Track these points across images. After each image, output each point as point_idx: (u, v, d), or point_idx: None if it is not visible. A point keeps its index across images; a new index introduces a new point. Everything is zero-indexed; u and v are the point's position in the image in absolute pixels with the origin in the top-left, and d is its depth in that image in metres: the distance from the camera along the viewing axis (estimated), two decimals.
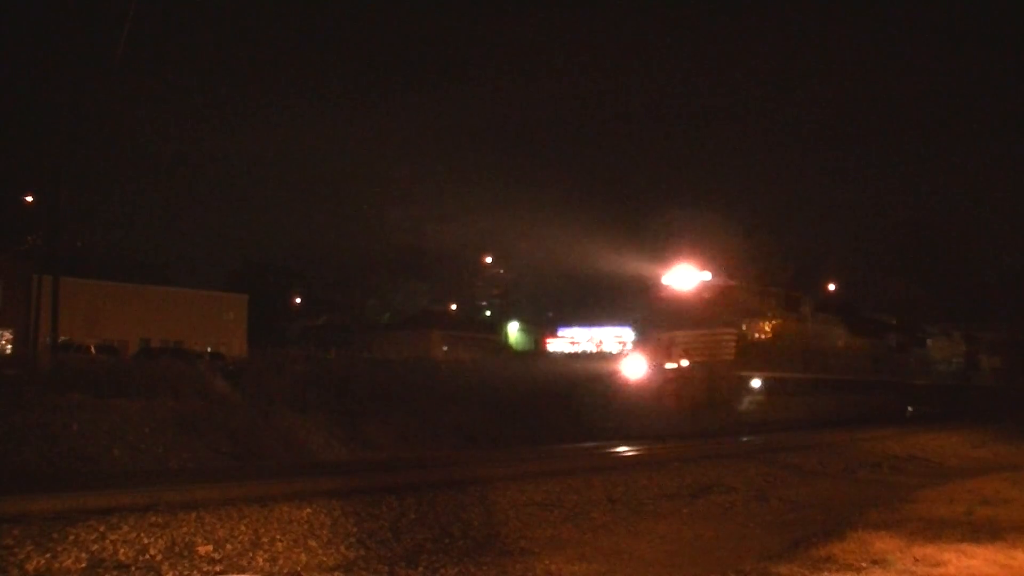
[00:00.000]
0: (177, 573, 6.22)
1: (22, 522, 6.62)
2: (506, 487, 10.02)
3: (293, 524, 7.51)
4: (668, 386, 20.95)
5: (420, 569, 6.85)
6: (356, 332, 60.67)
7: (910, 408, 31.94)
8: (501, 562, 7.22)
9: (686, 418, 20.30)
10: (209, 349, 43.14)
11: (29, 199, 34.04)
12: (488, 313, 72.38)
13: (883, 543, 7.59)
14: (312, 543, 7.20)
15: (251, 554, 6.77)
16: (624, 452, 15.82)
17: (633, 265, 23.87)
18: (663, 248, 23.07)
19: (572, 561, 7.40)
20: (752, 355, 22.21)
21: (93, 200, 33.63)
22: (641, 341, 23.61)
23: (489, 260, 71.72)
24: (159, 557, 6.41)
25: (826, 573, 6.68)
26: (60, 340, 34.04)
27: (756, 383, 22.11)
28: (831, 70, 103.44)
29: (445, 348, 53.80)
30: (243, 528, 7.20)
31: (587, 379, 24.03)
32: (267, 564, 6.66)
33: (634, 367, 22.14)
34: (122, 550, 6.39)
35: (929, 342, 35.27)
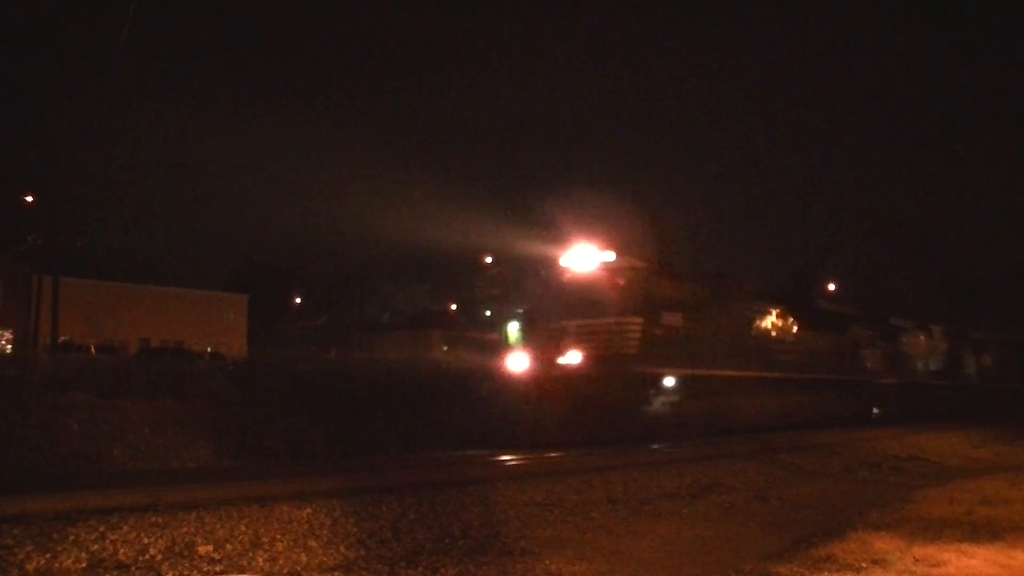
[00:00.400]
0: (177, 573, 6.23)
1: (22, 522, 6.63)
2: (506, 487, 10.04)
3: (293, 524, 7.51)
4: (554, 384, 17.52)
5: (420, 569, 6.85)
6: (356, 332, 60.69)
7: (876, 410, 28.96)
8: (501, 562, 7.22)
9: (574, 422, 16.94)
10: (209, 349, 43.19)
11: (29, 199, 34.05)
12: (488, 313, 72.34)
13: (883, 543, 7.60)
14: (312, 543, 7.20)
15: (251, 554, 6.78)
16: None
17: (529, 246, 20.20)
18: (561, 227, 19.71)
19: (572, 561, 7.40)
20: (664, 349, 18.54)
21: (93, 200, 33.58)
22: (531, 332, 19.43)
23: (489, 260, 71.66)
24: (159, 557, 6.41)
25: (826, 573, 6.68)
26: (60, 340, 34.14)
27: (669, 381, 18.47)
28: (831, 70, 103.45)
29: (445, 348, 53.81)
30: (243, 528, 7.20)
31: (470, 377, 21.63)
32: (267, 564, 6.66)
33: (519, 362, 18.61)
34: (122, 550, 6.39)
35: (904, 338, 32.01)
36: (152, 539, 6.64)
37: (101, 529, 6.65)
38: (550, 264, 19.41)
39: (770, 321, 23.51)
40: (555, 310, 18.79)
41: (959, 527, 8.45)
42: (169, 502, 7.59)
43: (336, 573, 6.67)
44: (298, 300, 66.81)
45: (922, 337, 33.05)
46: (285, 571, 6.61)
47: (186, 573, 6.25)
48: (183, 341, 43.75)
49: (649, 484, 11.46)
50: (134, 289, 48.28)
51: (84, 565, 6.09)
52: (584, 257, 18.85)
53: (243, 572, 6.43)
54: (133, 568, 6.18)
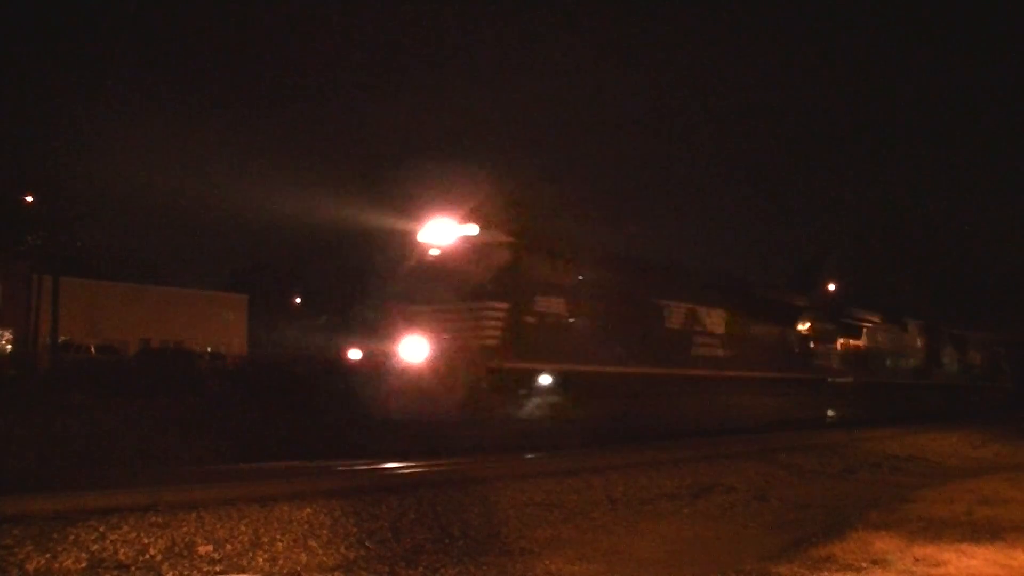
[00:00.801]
0: (177, 573, 6.23)
1: (22, 522, 6.62)
2: (506, 487, 10.04)
3: (293, 524, 7.51)
4: (392, 383, 14.74)
5: (420, 569, 6.86)
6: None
7: (830, 412, 26.09)
8: (501, 562, 7.23)
9: (423, 427, 14.27)
10: (209, 349, 43.21)
11: (29, 199, 34.08)
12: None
13: (883, 543, 7.60)
14: (312, 543, 7.20)
15: (251, 554, 6.78)
16: None
17: (383, 220, 16.52)
18: (421, 198, 15.91)
19: (572, 561, 7.40)
20: (539, 340, 15.57)
21: (93, 200, 33.61)
22: (380, 319, 16.23)
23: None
24: (159, 557, 6.41)
25: (826, 573, 6.68)
26: (60, 340, 34.18)
27: (545, 379, 15.58)
28: (832, 69, 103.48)
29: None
30: (243, 528, 7.20)
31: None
32: (267, 564, 6.67)
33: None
34: (122, 550, 6.39)
35: (870, 333, 28.89)
36: (152, 539, 6.64)
37: (101, 529, 6.65)
38: (403, 240, 15.94)
39: (694, 308, 20.30)
40: (406, 294, 15.66)
41: (959, 527, 8.46)
42: (169, 502, 7.58)
43: (336, 573, 6.68)
44: (298, 300, 66.70)
45: (891, 332, 30.48)
46: (285, 571, 6.61)
47: (186, 573, 6.25)
48: (183, 341, 43.73)
49: (649, 484, 11.46)
50: (134, 289, 48.25)
51: (84, 565, 6.09)
52: (442, 231, 15.58)
53: (243, 572, 6.43)
54: (133, 568, 6.18)
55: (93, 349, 37.36)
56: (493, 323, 15.02)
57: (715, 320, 20.98)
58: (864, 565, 6.86)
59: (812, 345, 25.38)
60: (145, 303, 47.86)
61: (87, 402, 14.57)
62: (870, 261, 57.76)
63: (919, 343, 32.49)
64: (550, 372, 15.70)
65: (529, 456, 14.20)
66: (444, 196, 15.50)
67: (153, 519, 7.03)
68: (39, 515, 6.84)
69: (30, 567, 5.96)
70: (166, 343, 41.93)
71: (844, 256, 54.94)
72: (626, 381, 17.34)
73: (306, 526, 7.54)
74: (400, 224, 15.86)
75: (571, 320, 16.42)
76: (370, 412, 14.44)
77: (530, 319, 15.60)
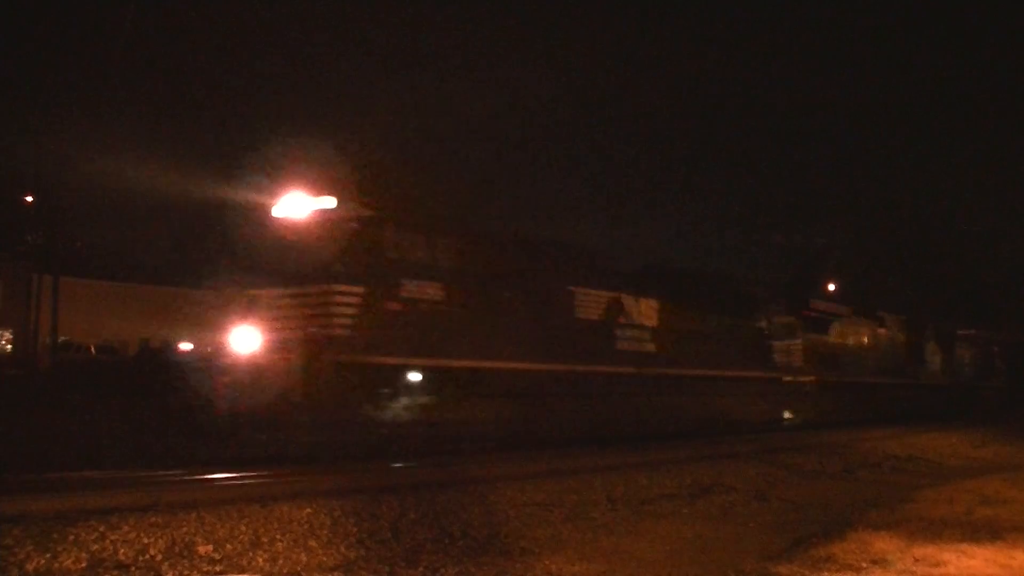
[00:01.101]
0: (177, 573, 6.23)
1: (22, 522, 6.63)
2: (506, 487, 10.04)
3: (293, 524, 7.52)
4: (218, 379, 12.98)
5: (420, 569, 6.86)
6: None
7: (787, 414, 23.89)
8: (501, 562, 7.23)
9: (257, 429, 12.58)
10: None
11: (29, 199, 34.11)
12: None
13: (883, 543, 7.61)
14: (312, 543, 7.21)
15: (251, 554, 6.78)
16: None
17: (237, 193, 14.22)
18: (279, 170, 13.75)
19: (572, 561, 7.40)
20: (407, 330, 13.42)
21: (93, 200, 33.66)
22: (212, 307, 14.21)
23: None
24: (159, 557, 6.41)
25: (826, 573, 6.69)
26: (60, 340, 34.15)
27: (414, 376, 13.61)
28: (832, 69, 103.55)
29: None
30: (243, 528, 7.21)
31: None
32: (267, 564, 6.67)
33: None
34: (122, 550, 6.40)
35: (839, 328, 26.78)
36: (152, 539, 6.65)
37: (101, 529, 6.65)
38: (253, 216, 13.75)
39: (621, 301, 18.08)
40: (247, 276, 13.56)
41: (959, 527, 8.46)
42: (169, 502, 7.60)
43: (336, 573, 6.68)
44: None
45: (865, 327, 28.48)
46: (285, 571, 6.61)
47: (186, 573, 6.26)
48: (183, 341, 43.70)
49: (649, 484, 11.47)
50: (134, 289, 48.23)
51: (84, 565, 6.10)
52: (296, 205, 13.44)
53: (243, 572, 6.43)
54: (133, 568, 6.19)
55: (93, 349, 37.37)
56: (344, 309, 12.87)
57: (646, 311, 18.79)
58: (864, 565, 6.87)
59: (770, 340, 23.16)
60: (145, 303, 47.82)
61: (87, 402, 14.55)
62: (870, 261, 57.84)
63: (898, 340, 30.65)
64: (421, 368, 13.61)
65: (397, 465, 12.19)
66: (305, 167, 13.48)
67: (153, 519, 7.03)
68: (39, 515, 6.85)
69: (30, 567, 5.96)
70: (166, 343, 41.90)
71: (844, 256, 54.95)
72: (524, 379, 15.25)
73: (306, 526, 7.54)
74: (251, 198, 13.70)
75: (451, 308, 14.15)
76: (193, 412, 12.89)
77: (395, 306, 13.38)
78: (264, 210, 13.56)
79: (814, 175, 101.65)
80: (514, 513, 9.14)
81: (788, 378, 23.59)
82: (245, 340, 13.06)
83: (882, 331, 29.71)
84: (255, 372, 12.69)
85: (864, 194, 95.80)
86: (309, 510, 7.89)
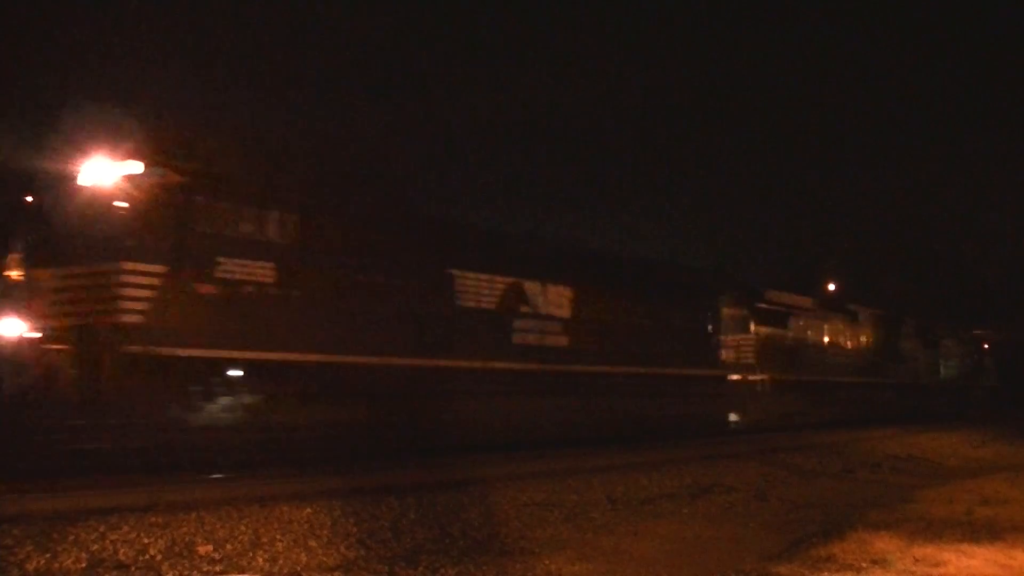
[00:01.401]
0: (177, 573, 6.23)
1: (22, 522, 6.63)
2: (506, 487, 10.04)
3: (293, 524, 7.52)
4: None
5: (420, 569, 6.86)
6: None
7: (733, 416, 21.79)
8: (501, 562, 7.22)
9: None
10: None
11: (29, 199, 34.05)
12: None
13: (883, 543, 7.61)
14: (312, 543, 7.21)
15: (251, 554, 6.78)
16: None
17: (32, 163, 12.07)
18: (83, 133, 11.56)
19: (572, 561, 7.40)
20: (223, 318, 11.51)
21: None
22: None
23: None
24: (159, 557, 6.41)
25: (826, 573, 6.69)
26: None
27: (235, 372, 11.72)
28: (832, 69, 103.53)
29: None
30: (243, 528, 7.21)
31: None
32: (267, 564, 6.67)
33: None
34: (122, 550, 6.40)
35: (800, 322, 24.54)
36: (152, 539, 6.65)
37: (101, 529, 6.66)
38: (53, 180, 11.69)
39: (523, 288, 15.93)
40: (29, 254, 11.67)
41: (959, 527, 8.47)
42: (169, 502, 7.60)
43: (336, 573, 6.68)
44: None
45: (831, 322, 26.35)
46: (285, 571, 6.61)
47: (186, 573, 6.26)
48: None
49: (649, 484, 11.48)
50: None
51: (84, 565, 6.09)
52: (99, 171, 11.34)
53: (243, 572, 6.43)
54: (133, 568, 6.19)
55: None
56: (136, 292, 10.90)
57: (555, 300, 16.48)
58: (864, 565, 6.87)
59: (716, 335, 20.98)
60: None
61: (87, 402, 14.52)
62: (869, 261, 57.79)
63: (873, 336, 28.73)
64: (246, 363, 11.73)
65: (215, 475, 10.68)
66: (115, 128, 11.50)
67: (153, 519, 7.04)
68: (39, 515, 6.85)
69: (30, 567, 5.96)
70: None
71: (843, 256, 54.90)
72: (385, 377, 13.24)
73: (306, 526, 7.54)
74: (49, 164, 11.72)
75: (286, 292, 12.26)
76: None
77: (208, 288, 11.47)
78: (63, 178, 11.55)
79: (814, 175, 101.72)
80: (514, 513, 9.14)
81: (735, 377, 21.49)
82: (12, 328, 11.13)
83: (852, 327, 27.85)
84: (17, 366, 10.89)
85: (864, 194, 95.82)
86: (309, 510, 7.89)
